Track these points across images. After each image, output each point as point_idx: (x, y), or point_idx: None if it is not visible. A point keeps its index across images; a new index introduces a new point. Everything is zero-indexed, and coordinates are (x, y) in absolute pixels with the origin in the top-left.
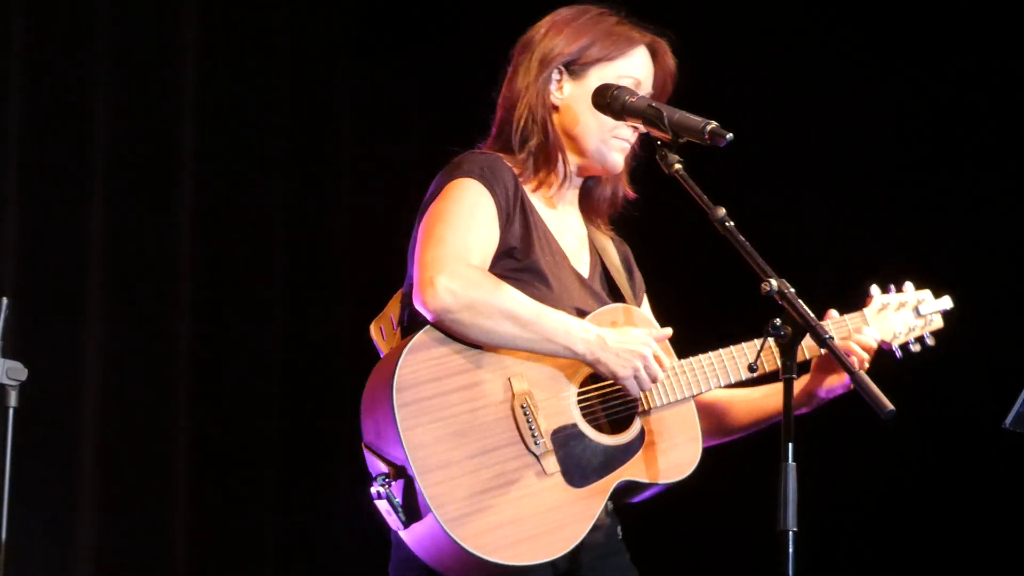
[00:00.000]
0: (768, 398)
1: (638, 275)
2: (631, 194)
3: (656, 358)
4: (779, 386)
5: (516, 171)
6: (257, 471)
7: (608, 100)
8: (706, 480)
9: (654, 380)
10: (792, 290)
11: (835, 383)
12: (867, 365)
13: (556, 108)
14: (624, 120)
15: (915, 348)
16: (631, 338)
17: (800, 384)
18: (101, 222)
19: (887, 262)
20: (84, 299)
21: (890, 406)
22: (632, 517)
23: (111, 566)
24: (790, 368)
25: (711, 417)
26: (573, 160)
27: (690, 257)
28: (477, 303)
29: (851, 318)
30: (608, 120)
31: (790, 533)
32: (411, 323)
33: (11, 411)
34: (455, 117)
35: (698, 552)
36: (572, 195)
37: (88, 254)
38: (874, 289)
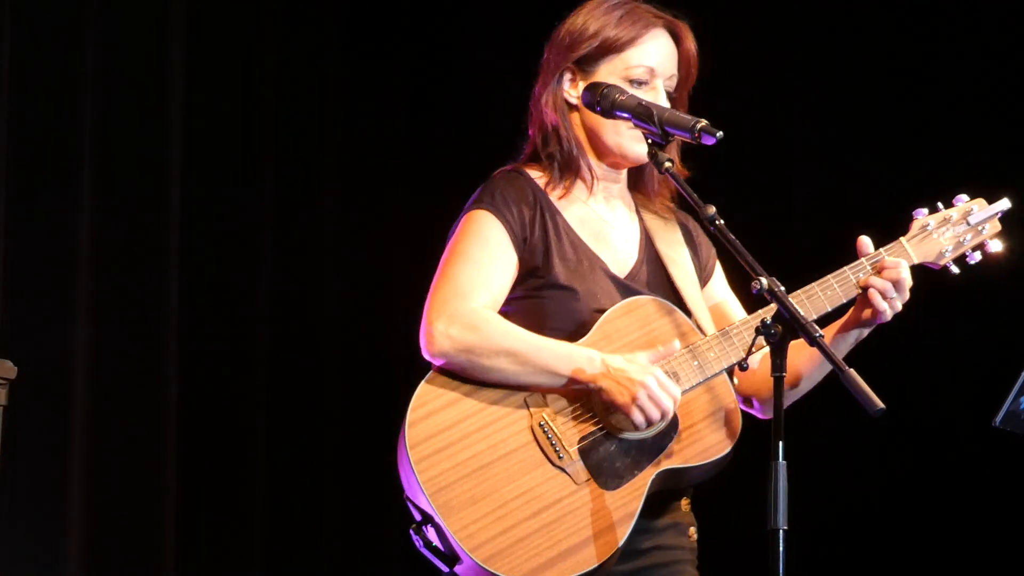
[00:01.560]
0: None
1: (706, 246)
2: (684, 171)
3: (661, 385)
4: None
5: (544, 180)
6: (246, 469)
7: (598, 99)
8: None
9: (661, 409)
10: (782, 288)
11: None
12: (904, 295)
13: (576, 108)
14: (615, 118)
15: (975, 259)
16: (633, 367)
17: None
18: (89, 220)
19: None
20: (73, 298)
21: (880, 404)
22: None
23: (100, 565)
24: (780, 367)
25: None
26: (600, 158)
27: None
28: (474, 346)
29: (888, 249)
30: None
31: (780, 532)
32: None
33: (0, 409)
34: (444, 114)
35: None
36: (617, 189)
37: (76, 252)
38: (918, 212)
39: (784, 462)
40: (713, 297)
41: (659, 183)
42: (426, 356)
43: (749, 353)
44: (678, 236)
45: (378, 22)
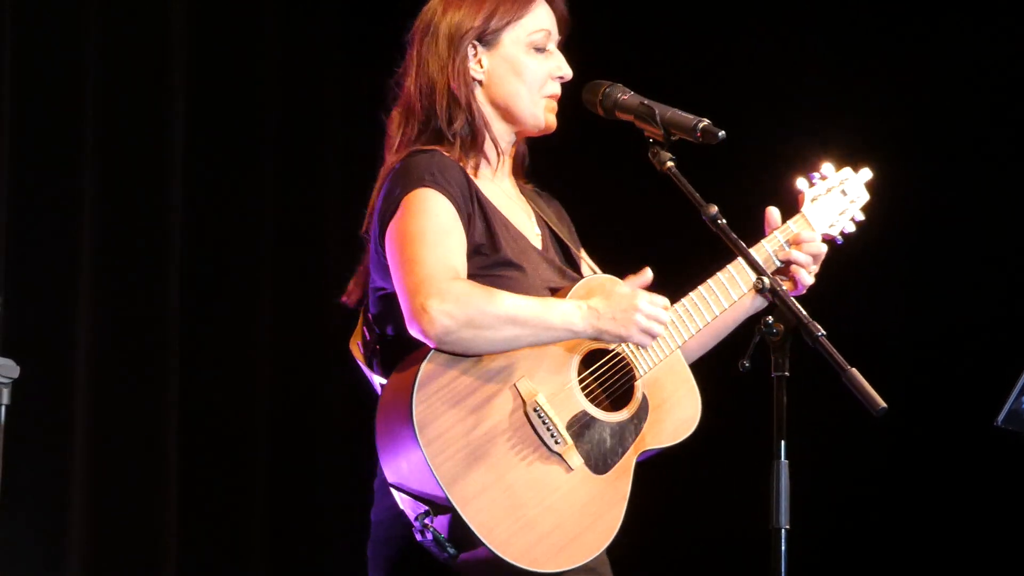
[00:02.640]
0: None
1: (571, 224)
2: (523, 149)
3: (651, 302)
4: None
5: (456, 158)
6: (248, 467)
7: (600, 98)
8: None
9: (660, 322)
10: (784, 287)
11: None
12: (817, 268)
13: (480, 83)
14: (615, 118)
15: (850, 230)
16: (619, 298)
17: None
18: (90, 219)
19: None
20: (75, 296)
21: (882, 404)
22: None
23: (102, 564)
24: (782, 365)
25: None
26: (507, 129)
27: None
28: (475, 317)
29: (794, 222)
30: (535, 80)
31: (783, 531)
32: (397, 338)
33: (2, 409)
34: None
35: (691, 550)
36: (508, 165)
37: (78, 251)
38: (800, 183)
39: (786, 461)
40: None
41: (523, 160)
42: (422, 339)
43: (748, 354)
44: (554, 214)
45: (381, 19)
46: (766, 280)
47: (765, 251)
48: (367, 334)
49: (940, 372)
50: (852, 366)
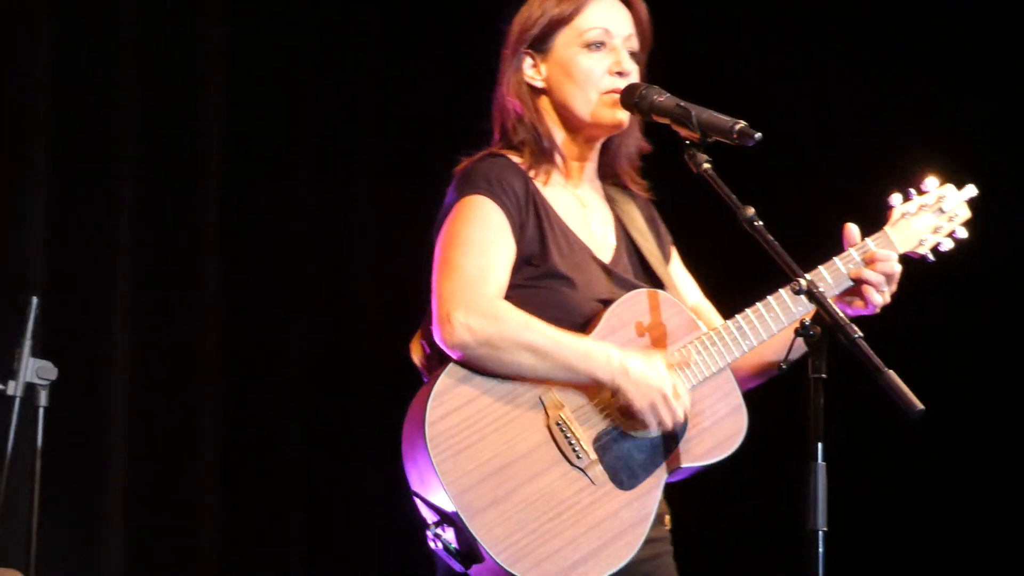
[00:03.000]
0: (767, 345)
1: (664, 230)
2: (647, 146)
3: (676, 395)
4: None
5: (525, 165)
6: (287, 469)
7: (636, 100)
8: (735, 480)
9: (674, 418)
10: (822, 289)
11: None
12: (893, 288)
13: (543, 91)
14: (651, 120)
15: (947, 247)
16: (653, 372)
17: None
18: (128, 221)
19: None
20: (112, 298)
21: (919, 405)
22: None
23: (141, 566)
24: (820, 368)
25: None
26: (576, 135)
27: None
28: (495, 339)
29: (874, 239)
30: (588, 78)
31: (820, 533)
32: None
33: (41, 410)
34: (483, 115)
35: (727, 553)
36: (590, 170)
37: (116, 253)
38: (894, 199)
39: (823, 463)
40: (675, 281)
41: (628, 160)
42: (443, 347)
43: (788, 356)
44: (642, 220)
45: (416, 27)
46: (803, 282)
47: (837, 269)
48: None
49: (978, 374)
50: (889, 368)
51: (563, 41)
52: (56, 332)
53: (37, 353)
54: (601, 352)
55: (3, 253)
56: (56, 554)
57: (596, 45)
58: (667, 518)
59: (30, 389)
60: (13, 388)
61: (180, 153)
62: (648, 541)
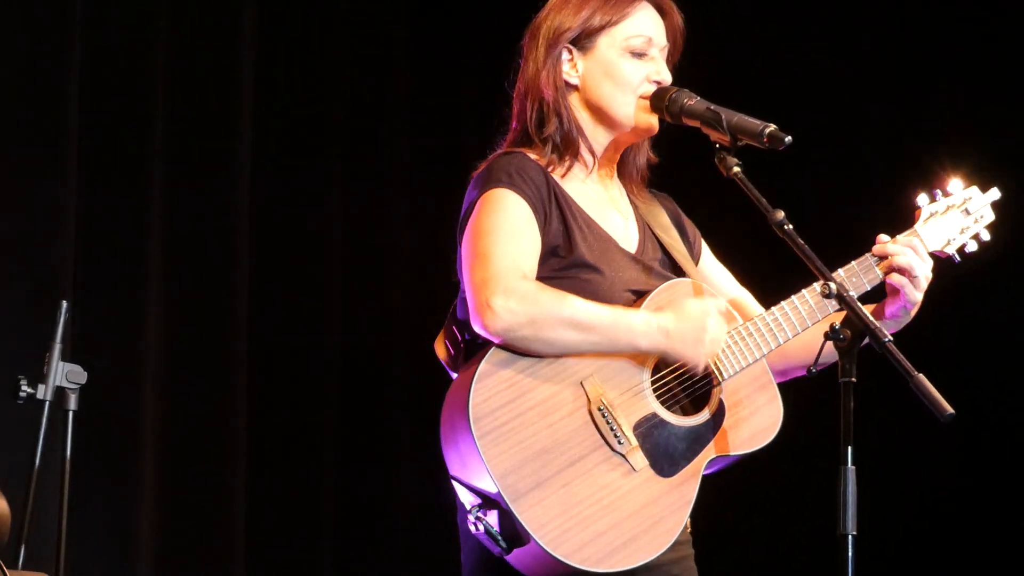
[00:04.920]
0: (792, 344)
1: (690, 227)
2: (653, 158)
3: (718, 324)
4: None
5: (543, 163)
6: (317, 469)
7: (667, 103)
8: (766, 483)
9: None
10: (852, 292)
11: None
12: (927, 273)
13: (576, 88)
14: (682, 123)
15: (972, 248)
16: (688, 318)
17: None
18: (159, 225)
19: None
20: (143, 302)
21: (950, 409)
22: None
23: (170, 568)
24: (848, 371)
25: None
26: (604, 133)
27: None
28: (537, 318)
29: (904, 238)
30: (628, 83)
31: (850, 537)
32: (474, 338)
33: (70, 414)
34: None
35: (757, 556)
36: (612, 169)
37: (146, 257)
38: (921, 199)
39: (853, 467)
40: (708, 275)
41: (641, 168)
42: (485, 334)
43: (818, 359)
44: (666, 217)
45: (447, 29)
46: (832, 285)
47: (866, 260)
48: (456, 335)
49: (1009, 378)
50: (919, 372)
51: (607, 43)
52: (86, 336)
53: (66, 357)
54: (641, 320)
55: (33, 258)
56: (85, 557)
57: (638, 54)
58: (688, 521)
59: (59, 393)
60: (43, 392)
61: (210, 157)
62: (675, 543)
